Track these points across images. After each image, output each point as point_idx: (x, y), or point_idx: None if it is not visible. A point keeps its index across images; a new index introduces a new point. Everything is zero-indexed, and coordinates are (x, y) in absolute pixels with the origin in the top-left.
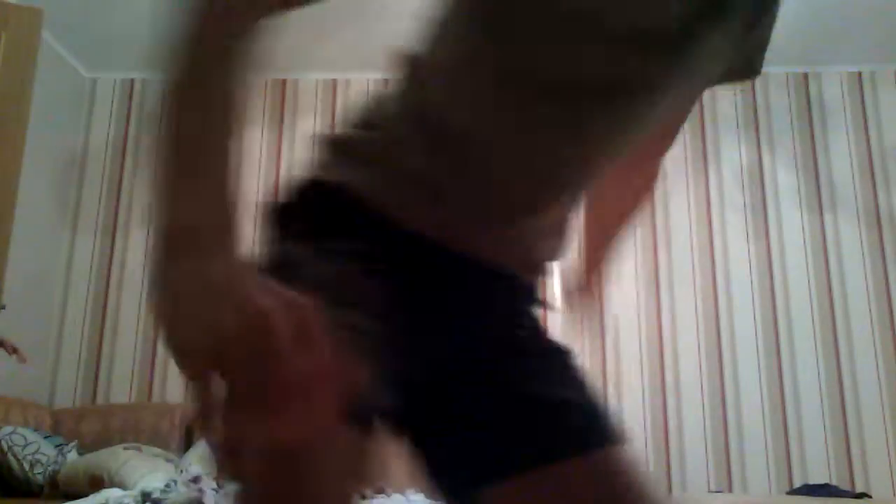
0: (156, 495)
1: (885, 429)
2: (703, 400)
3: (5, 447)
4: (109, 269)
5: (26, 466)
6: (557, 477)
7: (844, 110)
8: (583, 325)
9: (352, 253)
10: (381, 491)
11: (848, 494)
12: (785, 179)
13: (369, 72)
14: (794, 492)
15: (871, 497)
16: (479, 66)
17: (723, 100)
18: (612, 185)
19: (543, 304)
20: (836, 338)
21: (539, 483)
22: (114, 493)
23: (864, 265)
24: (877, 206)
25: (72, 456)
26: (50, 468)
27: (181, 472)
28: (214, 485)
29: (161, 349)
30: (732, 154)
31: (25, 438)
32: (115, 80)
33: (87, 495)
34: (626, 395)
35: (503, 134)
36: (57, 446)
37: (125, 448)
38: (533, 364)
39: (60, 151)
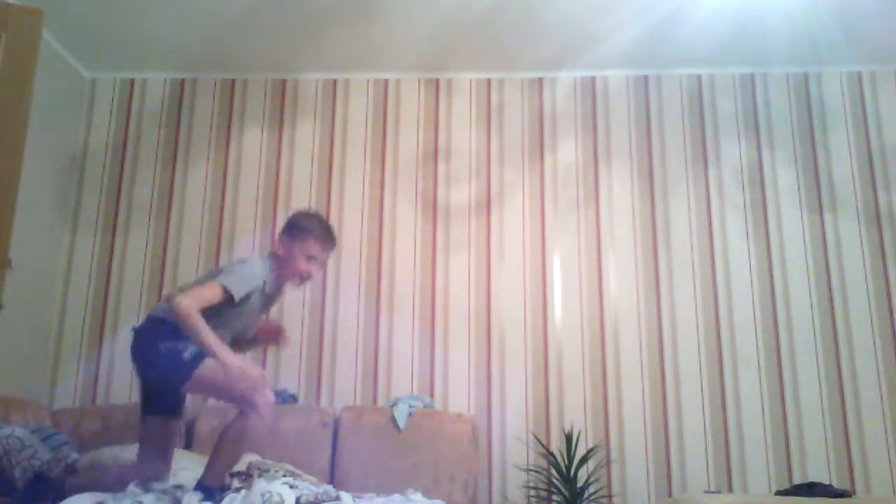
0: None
1: (885, 429)
2: (703, 400)
3: (2, 450)
4: (109, 269)
5: (25, 466)
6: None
7: (844, 110)
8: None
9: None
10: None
11: (833, 492)
12: (785, 179)
13: (369, 72)
14: (782, 492)
15: (850, 496)
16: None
17: (723, 100)
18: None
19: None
20: (835, 337)
21: None
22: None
23: (864, 265)
24: (877, 206)
25: (72, 456)
26: (48, 469)
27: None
28: (200, 496)
29: None
30: (732, 154)
31: (23, 441)
32: (114, 80)
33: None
34: (626, 395)
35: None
36: (55, 447)
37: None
38: None
39: (60, 151)
